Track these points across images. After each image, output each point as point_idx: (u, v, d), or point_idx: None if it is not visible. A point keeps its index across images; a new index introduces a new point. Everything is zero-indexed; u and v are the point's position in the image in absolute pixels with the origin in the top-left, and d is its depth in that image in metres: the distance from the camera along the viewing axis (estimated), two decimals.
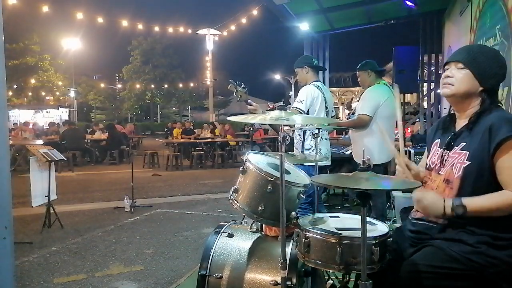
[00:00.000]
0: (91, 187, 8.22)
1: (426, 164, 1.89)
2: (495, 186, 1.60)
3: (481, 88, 1.70)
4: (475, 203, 1.58)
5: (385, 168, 3.93)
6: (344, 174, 1.68)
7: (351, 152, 4.69)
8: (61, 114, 25.81)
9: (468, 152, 1.66)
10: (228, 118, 2.63)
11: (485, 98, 1.70)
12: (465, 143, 1.69)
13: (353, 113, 4.20)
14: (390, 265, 1.67)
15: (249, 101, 3.31)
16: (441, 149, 1.80)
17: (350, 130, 4.15)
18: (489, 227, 1.59)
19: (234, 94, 3.37)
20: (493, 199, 1.57)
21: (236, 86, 3.31)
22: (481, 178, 1.61)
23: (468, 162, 1.64)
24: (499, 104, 1.75)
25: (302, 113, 3.35)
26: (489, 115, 1.66)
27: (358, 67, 4.03)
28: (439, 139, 1.86)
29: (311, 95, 3.48)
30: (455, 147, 1.73)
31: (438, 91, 7.79)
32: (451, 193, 1.68)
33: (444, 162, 1.76)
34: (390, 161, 4.17)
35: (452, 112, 1.86)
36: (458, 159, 1.68)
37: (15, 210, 2.95)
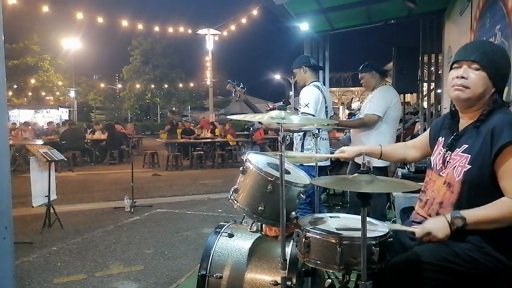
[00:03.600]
0: (91, 187, 8.22)
1: (431, 163, 1.86)
2: (495, 191, 1.57)
3: (493, 90, 1.65)
4: (474, 214, 1.54)
5: (384, 169, 3.92)
6: (344, 176, 1.67)
7: None
8: (61, 114, 25.83)
9: (469, 156, 1.62)
10: (229, 117, 2.64)
11: (497, 98, 1.65)
12: (467, 146, 1.66)
13: (354, 114, 4.16)
14: (391, 259, 1.66)
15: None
16: (444, 149, 1.76)
17: (352, 130, 4.10)
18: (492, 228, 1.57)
19: (233, 94, 3.39)
20: (493, 208, 1.53)
21: (234, 86, 3.32)
22: (481, 183, 1.58)
23: (469, 166, 1.61)
24: (507, 105, 1.70)
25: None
26: (493, 116, 1.62)
27: (361, 68, 3.94)
28: (443, 138, 1.82)
29: (314, 96, 3.47)
30: (457, 148, 1.69)
31: (438, 91, 7.80)
32: (452, 197, 1.66)
33: (446, 164, 1.73)
34: (390, 163, 4.15)
35: (454, 109, 1.80)
36: (460, 162, 1.65)
37: (15, 210, 2.95)
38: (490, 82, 1.63)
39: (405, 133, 7.64)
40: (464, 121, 1.74)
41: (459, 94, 1.65)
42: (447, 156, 1.73)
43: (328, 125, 3.55)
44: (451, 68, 1.73)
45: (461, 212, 1.55)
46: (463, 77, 1.64)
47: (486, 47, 1.68)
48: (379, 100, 3.76)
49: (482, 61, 1.62)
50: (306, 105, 3.41)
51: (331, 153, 3.72)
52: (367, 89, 4.03)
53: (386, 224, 1.76)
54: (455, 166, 1.67)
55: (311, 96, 3.45)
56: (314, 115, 3.37)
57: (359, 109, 4.08)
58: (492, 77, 1.63)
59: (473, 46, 1.71)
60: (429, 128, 2.01)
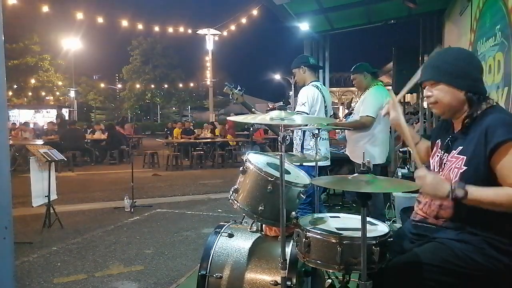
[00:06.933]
0: (91, 187, 8.22)
1: (429, 166, 1.87)
2: None
3: (463, 92, 1.67)
4: (478, 193, 1.52)
5: (384, 169, 3.94)
6: (344, 176, 1.67)
7: None
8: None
9: (465, 157, 1.63)
10: (229, 118, 2.65)
11: (471, 98, 1.66)
12: (462, 147, 1.67)
13: (350, 113, 4.18)
14: (391, 259, 1.66)
15: (253, 109, 3.33)
16: (441, 151, 1.78)
17: (346, 131, 4.14)
18: (490, 229, 1.58)
19: (230, 97, 3.40)
20: (497, 194, 1.53)
21: (231, 89, 3.32)
22: (477, 183, 1.57)
23: (465, 168, 1.62)
24: (491, 100, 1.70)
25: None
26: (485, 117, 1.63)
27: (352, 69, 4.02)
28: (441, 140, 1.84)
29: (312, 96, 3.48)
30: (453, 150, 1.71)
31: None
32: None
33: (443, 166, 1.74)
34: (390, 162, 4.16)
35: None
36: (456, 164, 1.66)
37: (15, 210, 2.95)
38: (453, 88, 1.67)
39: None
40: (457, 125, 1.76)
41: (434, 110, 1.78)
42: (444, 158, 1.74)
43: (327, 124, 3.56)
44: (421, 89, 1.83)
45: (467, 186, 1.54)
46: (428, 96, 1.74)
47: (436, 60, 1.76)
48: (371, 101, 3.82)
49: (434, 77, 1.71)
50: (303, 104, 3.44)
51: (331, 153, 3.76)
52: (359, 90, 4.11)
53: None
54: (451, 168, 1.67)
55: (309, 95, 3.47)
56: (308, 114, 3.39)
57: (353, 109, 4.11)
58: (451, 83, 1.67)
59: (426, 65, 1.79)
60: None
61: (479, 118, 1.65)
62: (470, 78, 1.68)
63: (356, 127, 3.88)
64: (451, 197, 1.54)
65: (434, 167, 1.80)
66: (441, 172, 1.73)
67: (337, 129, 5.58)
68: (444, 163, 1.73)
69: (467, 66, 1.69)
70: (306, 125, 3.27)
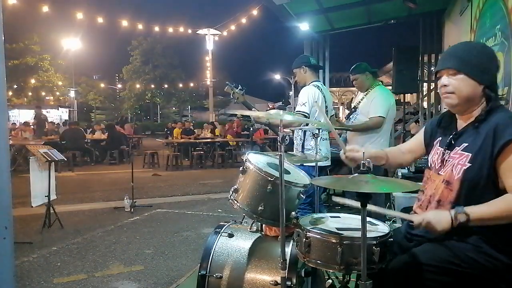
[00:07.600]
0: (91, 187, 8.22)
1: (428, 163, 1.86)
2: (495, 189, 1.57)
3: (482, 86, 1.65)
4: (479, 211, 1.52)
5: (385, 169, 3.92)
6: (344, 176, 1.67)
7: None
8: (61, 114, 25.83)
9: (470, 154, 1.62)
10: (228, 111, 2.66)
11: (489, 94, 1.66)
12: (467, 144, 1.65)
13: (351, 113, 4.12)
14: (391, 260, 1.66)
15: (253, 109, 3.33)
16: (442, 148, 1.76)
17: (349, 132, 4.09)
18: (489, 228, 1.57)
19: (231, 96, 3.40)
20: (497, 205, 1.52)
21: (232, 88, 3.32)
22: (480, 181, 1.58)
23: (469, 165, 1.60)
24: (501, 99, 1.73)
25: (307, 116, 3.34)
26: (494, 115, 1.62)
27: (352, 70, 3.95)
28: (440, 138, 1.82)
29: (312, 96, 3.47)
30: (457, 147, 1.69)
31: (438, 91, 7.81)
32: (450, 195, 1.65)
33: (444, 162, 1.72)
34: None
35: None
36: (459, 161, 1.64)
37: (15, 210, 2.94)
38: (474, 81, 1.65)
39: (405, 133, 7.63)
40: (462, 121, 1.74)
41: (448, 101, 1.70)
42: (446, 155, 1.73)
43: (336, 128, 3.55)
44: (436, 79, 1.77)
45: (465, 208, 1.53)
46: (445, 85, 1.68)
47: (460, 50, 1.73)
48: (380, 101, 3.75)
49: (456, 65, 1.66)
50: (303, 104, 3.42)
51: (331, 153, 3.74)
52: (360, 90, 4.03)
53: (385, 210, 1.76)
54: (454, 165, 1.66)
55: (309, 95, 3.46)
56: (308, 113, 3.38)
57: (354, 109, 4.04)
58: (473, 75, 1.64)
59: (447, 54, 1.76)
60: (423, 129, 1.99)
61: (487, 116, 1.64)
62: (491, 74, 1.68)
63: (368, 129, 3.78)
64: (455, 224, 1.52)
65: (435, 164, 1.78)
66: (442, 169, 1.72)
67: (340, 129, 5.58)
68: (446, 160, 1.71)
69: (489, 63, 1.69)
70: (306, 125, 3.27)
